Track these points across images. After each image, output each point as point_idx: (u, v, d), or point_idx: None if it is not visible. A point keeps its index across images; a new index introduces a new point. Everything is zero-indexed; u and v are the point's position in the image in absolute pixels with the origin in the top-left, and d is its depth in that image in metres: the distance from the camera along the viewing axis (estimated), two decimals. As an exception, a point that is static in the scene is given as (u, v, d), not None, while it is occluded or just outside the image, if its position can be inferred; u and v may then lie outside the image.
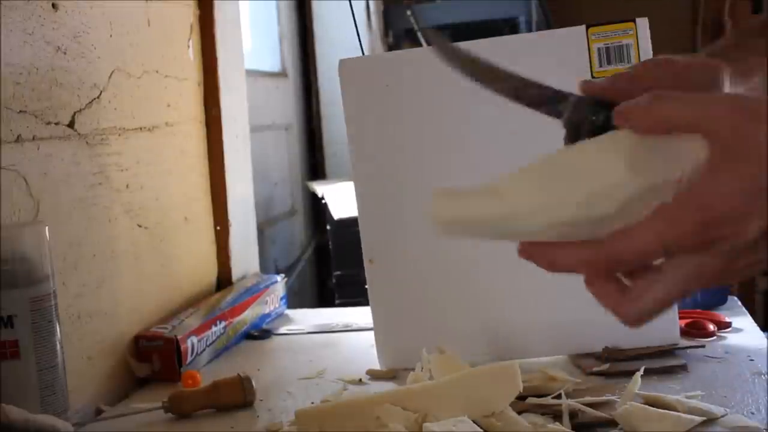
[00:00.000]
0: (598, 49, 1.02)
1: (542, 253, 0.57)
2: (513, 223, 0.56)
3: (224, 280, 1.41)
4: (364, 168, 1.07)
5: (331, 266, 2.04)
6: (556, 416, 0.84)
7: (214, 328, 1.19)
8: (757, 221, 0.51)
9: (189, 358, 1.12)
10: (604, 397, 0.87)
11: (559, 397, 0.86)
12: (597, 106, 0.62)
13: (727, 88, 0.68)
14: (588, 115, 0.62)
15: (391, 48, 2.87)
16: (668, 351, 1.02)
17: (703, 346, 1.04)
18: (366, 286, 1.09)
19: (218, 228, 1.40)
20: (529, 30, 2.73)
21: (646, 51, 1.02)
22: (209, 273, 1.39)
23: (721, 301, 1.22)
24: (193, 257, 1.33)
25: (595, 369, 0.99)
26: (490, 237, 0.58)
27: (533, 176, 0.57)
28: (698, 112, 0.53)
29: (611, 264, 0.55)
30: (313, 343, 1.25)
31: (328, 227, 2.04)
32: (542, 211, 0.55)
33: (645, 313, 0.55)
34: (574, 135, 0.63)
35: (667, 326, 1.03)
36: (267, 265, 2.01)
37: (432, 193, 0.57)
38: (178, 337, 1.11)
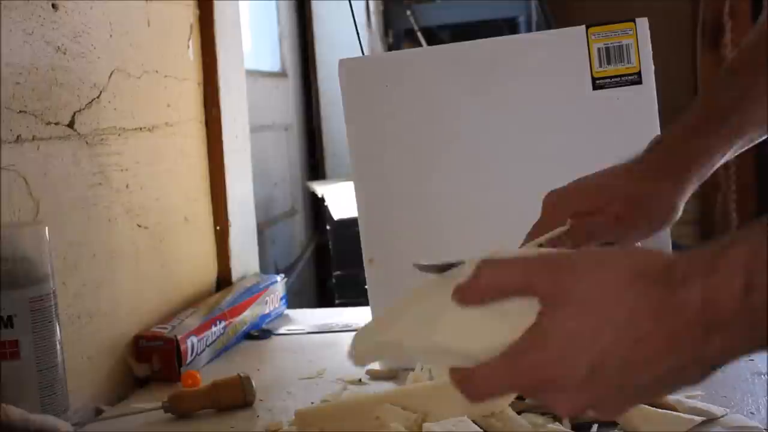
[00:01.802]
0: (598, 49, 1.02)
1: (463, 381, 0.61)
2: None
3: (224, 280, 1.41)
4: (364, 168, 1.07)
5: (331, 266, 2.04)
6: (556, 416, 0.84)
7: (214, 328, 1.19)
8: (581, 362, 0.55)
9: (189, 358, 1.12)
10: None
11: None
12: None
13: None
14: None
15: (391, 48, 2.86)
16: (668, 351, 1.01)
17: (703, 346, 1.04)
18: (366, 286, 1.09)
19: (218, 228, 1.40)
20: (529, 30, 2.73)
21: (646, 51, 1.02)
22: (209, 273, 1.39)
23: (721, 301, 1.22)
24: (193, 257, 1.33)
25: (595, 369, 0.98)
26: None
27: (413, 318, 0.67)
28: (518, 276, 0.59)
29: (474, 396, 0.59)
30: (313, 343, 1.25)
31: (328, 227, 2.04)
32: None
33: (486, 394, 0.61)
34: None
35: (667, 326, 1.03)
36: (267, 265, 2.01)
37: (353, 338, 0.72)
38: (178, 337, 1.11)
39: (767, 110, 0.85)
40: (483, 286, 0.60)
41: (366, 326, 0.72)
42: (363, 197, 1.08)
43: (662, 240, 1.02)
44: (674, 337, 0.55)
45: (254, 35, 2.29)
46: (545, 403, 0.59)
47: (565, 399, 0.57)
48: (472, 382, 0.60)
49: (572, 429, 0.82)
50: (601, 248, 0.63)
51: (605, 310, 0.55)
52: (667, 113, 0.96)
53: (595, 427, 0.81)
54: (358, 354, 0.72)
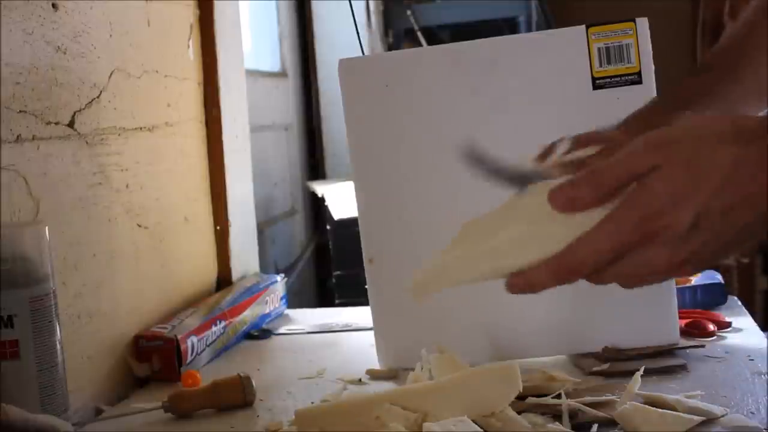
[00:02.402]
0: (598, 49, 1.02)
1: (521, 280, 0.67)
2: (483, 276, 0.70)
3: (224, 280, 1.41)
4: (364, 168, 1.07)
5: (331, 266, 2.03)
6: (556, 416, 0.84)
7: (214, 328, 1.19)
8: (688, 210, 0.61)
9: (189, 358, 1.12)
10: (604, 397, 0.87)
11: (559, 397, 0.86)
12: None
13: None
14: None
15: (391, 48, 2.86)
16: (668, 351, 1.02)
17: (703, 346, 1.04)
18: (366, 286, 1.09)
19: (218, 228, 1.40)
20: (529, 30, 2.73)
21: (646, 51, 1.02)
22: (209, 273, 1.39)
23: (721, 301, 1.22)
24: (193, 257, 1.33)
25: (595, 369, 0.99)
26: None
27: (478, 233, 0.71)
28: (620, 169, 0.64)
29: (570, 272, 0.65)
30: (313, 343, 1.25)
31: (328, 227, 2.04)
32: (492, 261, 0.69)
33: (609, 282, 0.66)
34: None
35: (667, 326, 1.03)
36: (267, 265, 2.01)
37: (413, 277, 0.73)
38: (178, 337, 1.11)
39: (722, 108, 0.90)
40: (590, 185, 0.64)
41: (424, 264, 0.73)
42: (363, 197, 1.08)
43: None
44: None
45: (254, 35, 2.29)
46: (646, 258, 0.63)
47: (668, 252, 0.63)
48: (576, 246, 0.64)
49: (572, 429, 0.82)
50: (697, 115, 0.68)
51: (709, 161, 0.61)
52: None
53: (594, 427, 0.81)
54: (416, 287, 0.74)
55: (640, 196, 0.63)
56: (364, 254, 1.08)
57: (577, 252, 0.64)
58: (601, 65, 1.02)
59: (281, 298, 1.43)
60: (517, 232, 0.67)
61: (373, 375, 1.06)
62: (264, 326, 1.34)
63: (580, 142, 0.80)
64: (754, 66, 0.92)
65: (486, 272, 0.69)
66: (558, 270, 0.65)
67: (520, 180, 0.74)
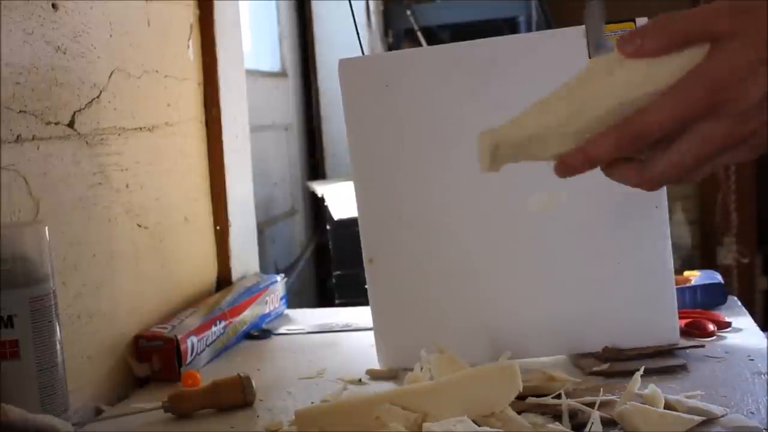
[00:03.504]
0: (598, 49, 1.02)
1: (575, 154, 0.65)
2: (545, 140, 0.67)
3: (224, 280, 1.41)
4: (364, 168, 1.07)
5: (331, 266, 2.03)
6: (556, 416, 0.84)
7: (214, 328, 1.19)
8: (759, 85, 0.59)
9: (189, 358, 1.12)
10: (604, 397, 0.87)
11: (559, 397, 0.86)
12: None
13: None
14: None
15: (391, 48, 2.86)
16: (668, 351, 1.02)
17: (703, 346, 1.04)
18: (366, 286, 1.09)
19: (218, 228, 1.40)
20: (529, 30, 2.73)
21: (646, 51, 1.01)
22: (209, 273, 1.39)
23: (721, 301, 1.22)
24: (193, 257, 1.33)
25: (595, 369, 0.99)
26: (529, 158, 0.69)
27: (555, 102, 0.67)
28: (695, 20, 0.61)
29: (635, 139, 0.63)
30: (313, 343, 1.25)
31: (328, 227, 2.04)
32: (566, 125, 0.65)
33: (661, 177, 0.64)
34: None
35: (667, 326, 1.03)
36: (267, 265, 2.01)
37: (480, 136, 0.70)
38: (178, 337, 1.11)
39: None
40: (659, 32, 0.62)
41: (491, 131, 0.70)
42: (363, 197, 1.08)
43: (662, 240, 1.02)
44: None
45: (254, 35, 2.29)
46: (708, 131, 0.61)
47: (728, 125, 0.61)
48: (641, 114, 0.62)
49: (572, 429, 0.82)
50: None
51: None
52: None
53: (590, 425, 0.81)
54: (483, 156, 0.70)
55: (711, 63, 0.61)
56: (364, 254, 1.08)
57: (641, 118, 0.62)
58: (601, 65, 1.02)
59: (281, 298, 1.43)
60: (591, 89, 0.65)
61: (373, 375, 1.06)
62: (264, 326, 1.34)
63: None
64: None
65: (557, 128, 0.66)
66: (619, 137, 0.63)
67: None
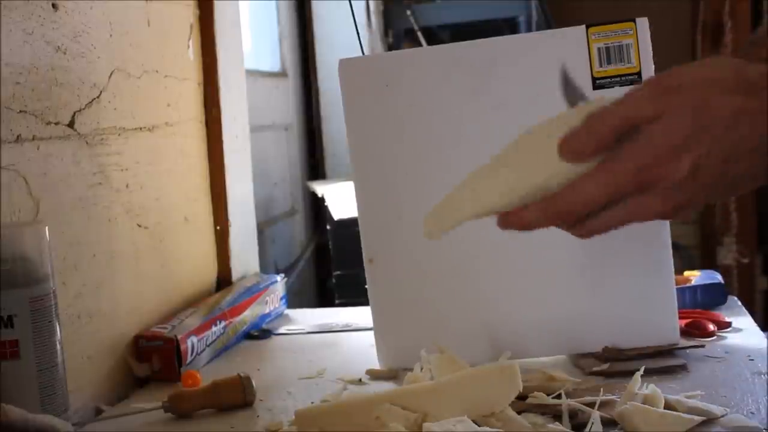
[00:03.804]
0: (598, 48, 1.02)
1: (514, 217, 0.70)
2: (486, 209, 0.73)
3: (224, 280, 1.41)
4: (364, 168, 1.07)
5: (331, 266, 2.03)
6: (556, 416, 0.84)
7: (214, 328, 1.19)
8: (683, 164, 0.62)
9: (189, 358, 1.12)
10: (604, 397, 0.87)
11: (559, 397, 0.86)
12: None
13: None
14: None
15: (391, 48, 2.86)
16: (668, 351, 1.02)
17: (703, 346, 1.04)
18: (366, 286, 1.09)
19: (218, 228, 1.40)
20: (529, 30, 2.73)
21: (646, 51, 1.02)
22: (209, 273, 1.39)
23: (721, 301, 1.22)
24: (193, 257, 1.33)
25: (595, 369, 0.99)
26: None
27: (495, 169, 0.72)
28: (620, 115, 0.64)
29: (564, 213, 0.67)
30: (313, 343, 1.25)
31: (328, 227, 2.04)
32: (504, 196, 0.71)
33: (590, 233, 0.69)
34: None
35: (667, 326, 1.03)
36: (267, 265, 2.01)
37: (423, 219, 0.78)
38: (178, 337, 1.11)
39: None
40: (592, 133, 0.65)
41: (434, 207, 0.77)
42: (363, 197, 1.08)
43: (662, 239, 1.02)
44: None
45: (254, 35, 2.29)
46: (640, 205, 0.65)
47: (662, 199, 0.63)
48: (570, 190, 0.66)
49: (572, 429, 0.82)
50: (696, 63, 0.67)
51: (711, 112, 0.61)
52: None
53: (590, 425, 0.81)
54: (429, 223, 0.78)
55: (638, 145, 0.63)
56: (364, 254, 1.08)
57: (570, 196, 0.65)
58: (601, 65, 1.02)
59: (281, 298, 1.43)
60: (522, 171, 0.69)
61: (373, 375, 1.06)
62: (264, 326, 1.34)
63: None
64: None
65: (491, 206, 0.72)
66: (548, 211, 0.67)
67: None
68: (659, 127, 0.62)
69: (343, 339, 1.26)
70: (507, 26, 2.81)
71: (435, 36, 2.85)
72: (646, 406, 0.83)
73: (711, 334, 1.09)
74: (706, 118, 0.62)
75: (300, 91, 2.59)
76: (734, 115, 0.61)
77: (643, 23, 1.02)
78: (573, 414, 0.84)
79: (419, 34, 2.78)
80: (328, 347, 1.22)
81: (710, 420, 0.82)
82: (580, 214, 0.67)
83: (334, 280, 2.00)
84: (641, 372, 0.88)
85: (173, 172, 1.27)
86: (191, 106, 1.34)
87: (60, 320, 0.88)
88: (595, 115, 0.65)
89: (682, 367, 0.98)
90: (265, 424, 0.91)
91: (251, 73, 1.93)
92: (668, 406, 0.84)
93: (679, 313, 1.05)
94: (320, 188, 2.23)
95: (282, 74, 2.47)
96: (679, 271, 1.16)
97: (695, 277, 1.24)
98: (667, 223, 1.02)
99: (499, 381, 0.83)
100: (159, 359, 1.10)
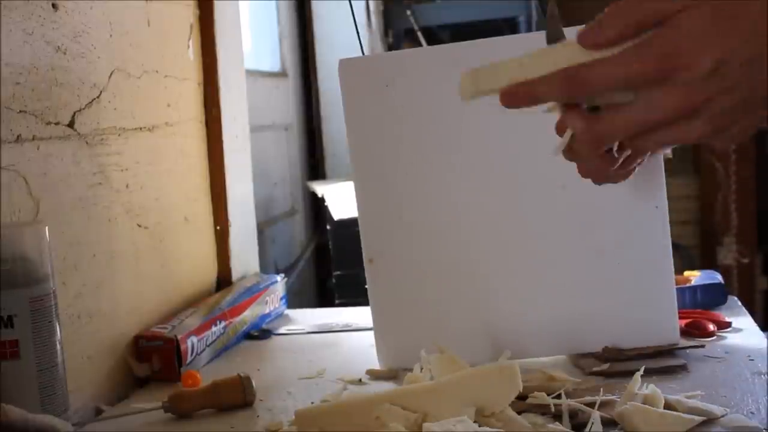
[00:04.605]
0: (598, 49, 1.02)
1: (520, 87, 0.68)
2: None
3: (224, 280, 1.41)
4: (364, 168, 1.07)
5: (331, 266, 2.03)
6: (556, 416, 0.84)
7: (214, 328, 1.19)
8: (709, 54, 0.60)
9: (189, 358, 1.12)
10: (604, 397, 0.87)
11: (559, 397, 0.86)
12: None
13: None
14: None
15: (391, 48, 2.86)
16: (668, 351, 1.02)
17: (703, 346, 1.04)
18: (366, 286, 1.09)
19: (218, 228, 1.40)
20: (529, 30, 2.73)
21: (646, 51, 1.01)
22: (209, 273, 1.39)
23: (721, 301, 1.22)
24: (193, 257, 1.33)
25: (595, 369, 0.99)
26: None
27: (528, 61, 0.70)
28: (648, 6, 0.62)
29: (583, 86, 0.64)
30: (313, 343, 1.25)
31: (328, 227, 2.04)
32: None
33: (606, 134, 0.65)
34: None
35: (667, 326, 1.03)
36: (267, 265, 2.01)
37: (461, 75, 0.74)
38: (178, 337, 1.11)
39: None
40: (615, 22, 0.63)
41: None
42: (363, 197, 1.08)
43: (662, 239, 1.02)
44: None
45: (254, 35, 2.29)
46: (654, 102, 0.62)
47: (681, 92, 0.61)
48: (591, 64, 0.63)
49: (572, 429, 0.82)
50: None
51: (739, 8, 0.60)
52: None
53: (590, 425, 0.81)
54: (464, 86, 0.75)
55: (663, 32, 0.61)
56: (364, 254, 1.08)
57: (590, 69, 0.63)
58: (601, 65, 1.02)
59: (281, 298, 1.43)
60: (556, 56, 0.67)
61: (373, 375, 1.06)
62: (264, 326, 1.34)
63: None
64: None
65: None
66: (565, 82, 0.64)
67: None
68: (686, 16, 0.61)
69: (343, 339, 1.26)
70: (507, 26, 2.81)
71: (435, 36, 2.85)
72: (646, 406, 0.83)
73: (711, 334, 1.10)
74: (733, 13, 0.60)
75: (300, 91, 2.59)
76: (763, 15, 0.60)
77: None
78: (573, 414, 0.84)
79: (419, 34, 2.78)
80: (328, 347, 1.22)
81: (710, 420, 0.82)
82: (595, 88, 0.64)
83: (334, 280, 2.00)
84: (641, 372, 0.88)
85: (173, 172, 1.27)
86: (191, 106, 1.34)
87: (60, 320, 0.88)
88: (617, 6, 0.64)
89: (682, 367, 0.98)
90: (265, 424, 0.91)
91: (251, 73, 1.93)
92: (668, 406, 0.84)
93: (679, 313, 1.05)
94: (320, 188, 2.23)
95: (282, 74, 2.47)
96: (679, 271, 1.16)
97: (695, 277, 1.24)
98: (667, 223, 1.02)
99: (499, 381, 0.83)
100: (159, 359, 1.10)
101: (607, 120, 0.65)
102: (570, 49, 0.66)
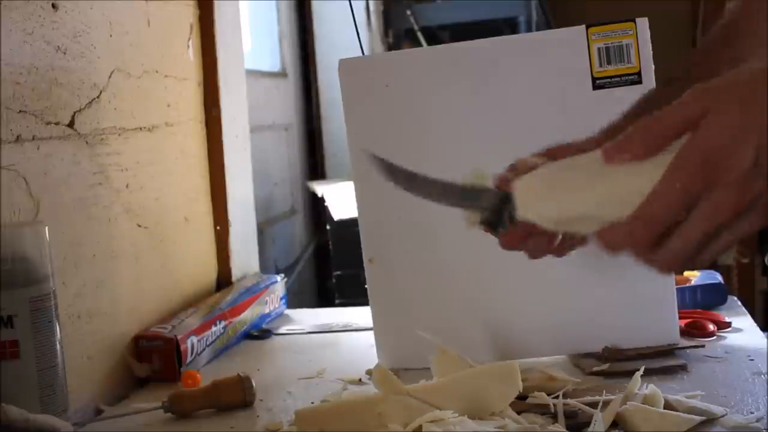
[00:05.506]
0: (598, 49, 1.02)
1: (602, 241, 0.67)
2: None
3: (224, 280, 1.41)
4: (364, 168, 1.07)
5: (331, 266, 2.03)
6: (556, 416, 0.84)
7: (214, 328, 1.19)
8: (747, 150, 0.60)
9: (189, 358, 1.12)
10: (606, 397, 0.87)
11: (557, 397, 0.86)
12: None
13: None
14: (506, 209, 0.75)
15: (391, 48, 2.86)
16: (668, 351, 1.02)
17: (703, 346, 1.04)
18: (366, 286, 1.09)
19: (218, 228, 1.40)
20: (529, 30, 2.73)
21: (646, 51, 1.02)
22: (209, 273, 1.39)
23: (721, 301, 1.22)
24: (193, 257, 1.33)
25: (595, 369, 0.99)
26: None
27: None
28: (670, 119, 0.63)
29: (648, 227, 0.64)
30: (313, 343, 1.25)
31: (328, 227, 2.04)
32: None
33: (675, 255, 0.65)
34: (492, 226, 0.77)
35: (667, 326, 1.03)
36: (267, 265, 2.01)
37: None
38: (178, 337, 1.11)
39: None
40: (641, 138, 0.64)
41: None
42: (363, 197, 1.08)
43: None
44: None
45: (254, 35, 2.29)
46: (711, 210, 0.62)
47: (734, 193, 0.61)
48: (647, 202, 0.63)
49: (572, 429, 0.82)
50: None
51: (762, 98, 0.60)
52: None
53: (592, 424, 0.81)
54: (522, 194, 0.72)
55: (697, 139, 0.62)
56: (364, 254, 1.08)
57: (649, 208, 0.63)
58: (601, 65, 1.02)
59: (281, 298, 1.43)
60: (599, 190, 0.67)
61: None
62: (264, 326, 1.34)
63: (551, 154, 0.78)
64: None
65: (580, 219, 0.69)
66: (631, 231, 0.64)
67: (453, 195, 0.78)
68: (713, 118, 0.61)
69: (343, 339, 1.26)
70: (507, 26, 2.81)
71: (435, 36, 2.85)
72: (646, 406, 0.83)
73: (711, 334, 1.10)
74: (758, 104, 0.61)
75: (300, 91, 2.59)
76: None
77: (643, 23, 1.02)
78: (573, 414, 0.84)
79: (419, 34, 2.78)
80: (328, 347, 1.22)
81: (710, 420, 0.82)
82: (663, 222, 0.64)
83: (334, 280, 2.00)
84: (641, 372, 0.88)
85: (173, 172, 1.27)
86: (191, 106, 1.34)
87: (60, 320, 0.88)
88: (643, 122, 0.65)
89: (682, 367, 0.98)
90: (265, 424, 0.91)
91: (251, 73, 1.93)
92: (668, 406, 0.84)
93: (679, 313, 1.05)
94: (320, 188, 2.23)
95: (282, 74, 2.47)
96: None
97: (695, 277, 1.24)
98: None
99: (499, 381, 0.83)
100: (159, 359, 1.10)
101: (672, 243, 0.65)
102: (596, 163, 0.67)
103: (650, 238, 0.65)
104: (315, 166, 2.63)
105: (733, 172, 0.61)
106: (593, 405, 0.84)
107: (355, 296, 1.51)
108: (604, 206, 0.66)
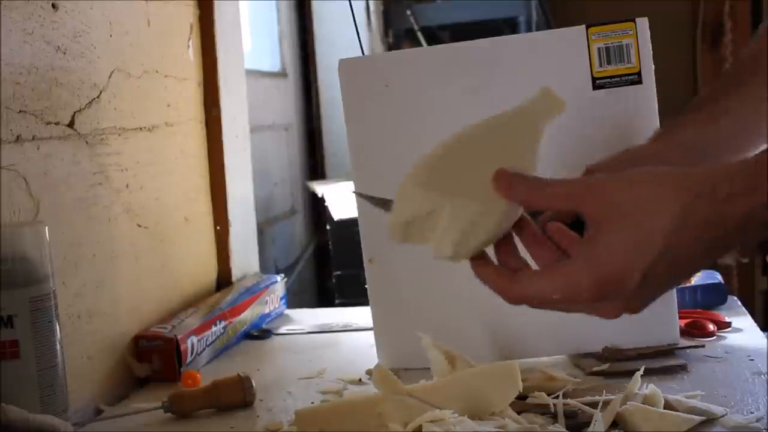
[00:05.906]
0: (598, 49, 1.02)
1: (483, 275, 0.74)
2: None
3: (224, 280, 1.41)
4: (364, 168, 1.07)
5: (331, 266, 2.03)
6: (556, 416, 0.84)
7: (214, 328, 1.19)
8: (637, 274, 0.65)
9: (189, 358, 1.12)
10: (606, 397, 0.87)
11: (557, 397, 0.86)
12: None
13: None
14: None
15: (391, 48, 2.86)
16: (668, 351, 1.02)
17: (703, 346, 1.04)
18: (366, 286, 1.09)
19: (218, 228, 1.40)
20: (529, 30, 2.73)
21: (646, 51, 1.02)
22: (209, 273, 1.39)
23: (721, 301, 1.22)
24: (193, 257, 1.33)
25: (595, 369, 0.99)
26: None
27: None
28: (570, 201, 0.68)
29: (517, 297, 0.70)
30: (313, 343, 1.25)
31: (328, 227, 2.04)
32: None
33: (525, 299, 0.70)
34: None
35: (667, 326, 1.03)
36: (267, 265, 2.01)
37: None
38: (178, 337, 1.11)
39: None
40: (530, 192, 0.69)
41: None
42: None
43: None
44: (714, 246, 0.65)
45: (254, 35, 2.29)
46: (597, 312, 0.68)
47: (620, 307, 0.67)
48: (529, 284, 0.69)
49: (572, 429, 0.82)
50: (644, 168, 0.69)
51: (653, 221, 0.64)
52: (667, 113, 0.96)
53: (592, 424, 0.81)
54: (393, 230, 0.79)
55: (591, 261, 0.66)
56: (364, 254, 1.08)
57: (524, 288, 0.69)
58: (601, 65, 1.02)
59: (281, 298, 1.43)
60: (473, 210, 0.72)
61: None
62: (264, 326, 1.34)
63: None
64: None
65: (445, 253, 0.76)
66: (503, 290, 0.71)
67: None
68: (606, 242, 0.65)
69: (343, 339, 1.26)
70: (507, 26, 2.81)
71: (435, 36, 2.85)
72: (646, 406, 0.83)
73: (711, 334, 1.10)
74: (651, 225, 0.64)
75: (300, 91, 2.59)
76: (674, 230, 0.64)
77: (643, 23, 1.02)
78: (573, 414, 0.84)
79: (419, 34, 2.77)
80: (328, 347, 1.22)
81: (710, 420, 0.82)
82: (530, 302, 0.70)
83: (334, 280, 2.00)
84: (641, 372, 0.88)
85: (173, 172, 1.27)
86: (191, 106, 1.34)
87: (60, 320, 0.88)
88: (539, 182, 0.69)
89: (682, 367, 0.98)
90: (265, 424, 0.91)
91: (251, 73, 1.93)
92: (668, 406, 0.84)
93: (679, 313, 1.05)
94: (320, 188, 2.22)
95: (282, 74, 2.47)
96: (679, 271, 1.15)
97: (695, 277, 1.24)
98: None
99: (499, 381, 0.83)
100: (159, 359, 1.10)
101: (529, 287, 0.70)
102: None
103: (515, 301, 0.71)
104: (315, 166, 2.63)
105: (620, 294, 0.66)
106: (593, 405, 0.84)
107: (355, 296, 1.51)
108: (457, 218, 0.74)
